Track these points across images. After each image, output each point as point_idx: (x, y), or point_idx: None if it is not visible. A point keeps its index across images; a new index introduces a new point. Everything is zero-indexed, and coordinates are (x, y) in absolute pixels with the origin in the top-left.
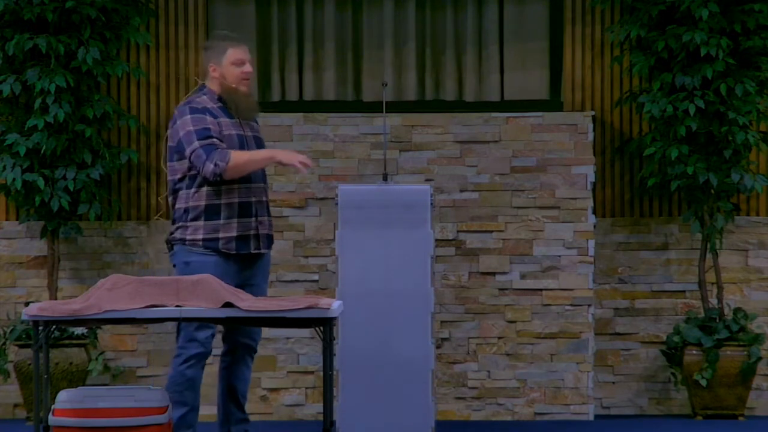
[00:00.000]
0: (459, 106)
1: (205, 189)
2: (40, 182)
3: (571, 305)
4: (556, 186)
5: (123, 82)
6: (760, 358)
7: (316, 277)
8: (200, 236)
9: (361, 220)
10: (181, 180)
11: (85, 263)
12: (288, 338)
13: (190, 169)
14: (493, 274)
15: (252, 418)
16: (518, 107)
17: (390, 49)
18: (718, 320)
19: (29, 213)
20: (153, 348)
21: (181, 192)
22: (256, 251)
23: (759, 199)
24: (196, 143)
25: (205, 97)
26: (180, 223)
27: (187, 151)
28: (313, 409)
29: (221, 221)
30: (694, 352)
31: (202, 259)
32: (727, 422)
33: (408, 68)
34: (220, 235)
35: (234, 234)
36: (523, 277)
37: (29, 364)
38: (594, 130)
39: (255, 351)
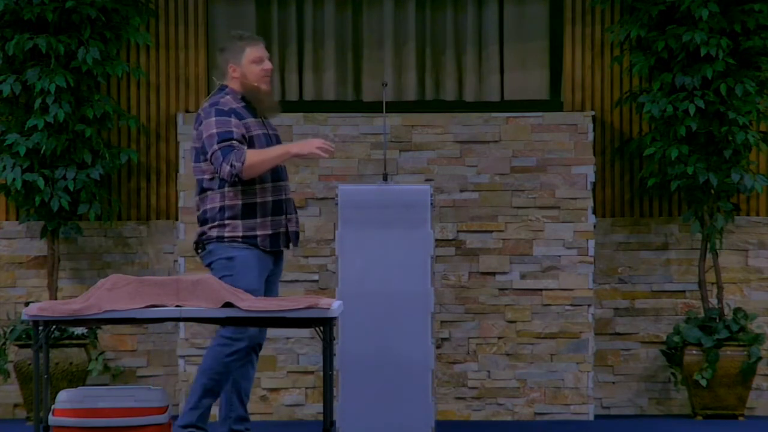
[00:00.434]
0: (459, 106)
1: (240, 188)
2: (40, 182)
3: (571, 305)
4: (556, 186)
5: (123, 82)
6: (760, 358)
7: (316, 277)
8: (240, 233)
9: (361, 220)
10: (211, 180)
11: (85, 263)
12: (288, 338)
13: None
14: (493, 274)
15: (252, 418)
16: (518, 107)
17: (390, 49)
18: (718, 320)
19: (29, 213)
20: (153, 348)
21: (212, 192)
22: (285, 248)
23: (759, 199)
24: (216, 146)
25: (228, 97)
26: (217, 222)
27: (208, 153)
28: (313, 409)
29: (258, 220)
30: (694, 352)
31: (245, 253)
32: (727, 422)
33: (408, 68)
34: (258, 232)
35: (269, 232)
36: (523, 277)
37: (29, 364)
38: (594, 130)
39: (261, 349)
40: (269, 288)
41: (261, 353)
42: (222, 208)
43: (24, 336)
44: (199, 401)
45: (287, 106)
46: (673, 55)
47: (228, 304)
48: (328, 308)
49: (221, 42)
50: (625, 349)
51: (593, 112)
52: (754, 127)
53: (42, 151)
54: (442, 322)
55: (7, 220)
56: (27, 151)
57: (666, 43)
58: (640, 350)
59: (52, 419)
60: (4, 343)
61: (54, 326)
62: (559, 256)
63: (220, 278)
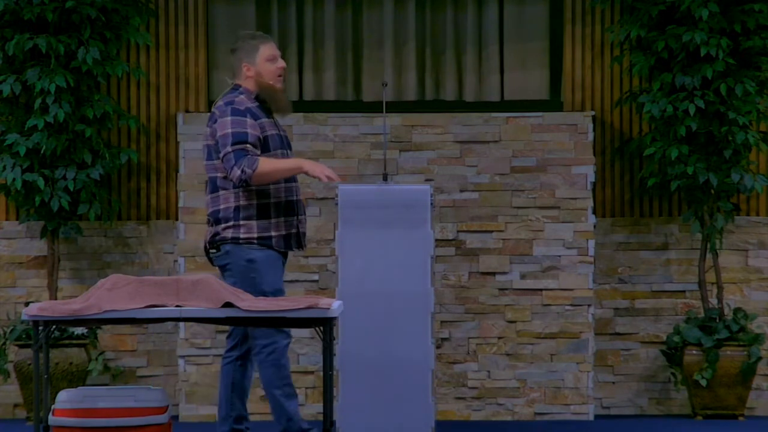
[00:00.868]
0: (459, 106)
1: (254, 188)
2: (40, 182)
3: (571, 305)
4: (556, 186)
5: (123, 82)
6: (760, 358)
7: (316, 277)
8: (255, 234)
9: (361, 220)
10: (224, 178)
11: (85, 263)
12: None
13: None
14: (493, 274)
15: (252, 418)
16: (518, 107)
17: (390, 49)
18: (718, 320)
19: (29, 213)
20: (153, 348)
21: (225, 192)
22: (297, 248)
23: (759, 199)
24: (229, 147)
25: (242, 96)
26: (232, 222)
27: (221, 153)
28: (313, 409)
29: (272, 220)
30: (694, 352)
31: (264, 254)
32: (727, 422)
33: (408, 68)
34: (273, 233)
35: (283, 232)
36: (523, 277)
37: (29, 364)
38: (594, 130)
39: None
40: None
41: None
42: (237, 208)
43: (24, 336)
44: (287, 408)
45: None
46: (673, 55)
47: (228, 304)
48: (328, 308)
49: (221, 42)
50: (625, 349)
51: (593, 112)
52: (754, 127)
53: (42, 151)
54: (442, 322)
55: (7, 220)
56: (27, 151)
57: (666, 43)
58: (640, 350)
59: (52, 419)
60: (4, 343)
61: (54, 326)
62: (559, 256)
63: (241, 281)
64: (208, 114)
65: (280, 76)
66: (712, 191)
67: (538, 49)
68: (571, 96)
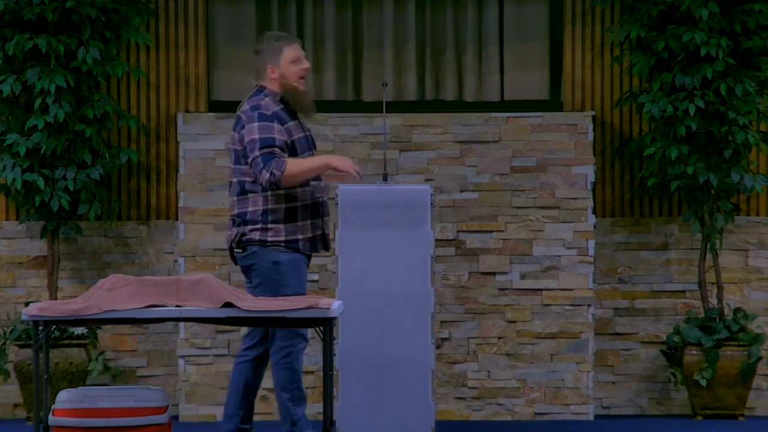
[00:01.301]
0: (459, 106)
1: (283, 191)
2: (40, 182)
3: (571, 305)
4: (556, 186)
5: (123, 82)
6: (760, 358)
7: (316, 277)
8: (282, 237)
9: (361, 220)
10: (253, 182)
11: (85, 263)
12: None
13: None
14: (493, 274)
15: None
16: (518, 107)
17: (390, 49)
18: (718, 320)
19: (29, 213)
20: (153, 348)
21: (254, 195)
22: (323, 250)
23: (759, 199)
24: (257, 152)
25: (268, 99)
26: (259, 225)
27: (249, 158)
28: (313, 409)
29: (299, 223)
30: (694, 352)
31: (290, 257)
32: (727, 422)
33: (408, 68)
34: (299, 236)
35: (309, 235)
36: (523, 277)
37: (29, 364)
38: (594, 130)
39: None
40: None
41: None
42: (265, 212)
43: (24, 336)
44: (293, 413)
45: None
46: (673, 55)
47: (228, 304)
48: (328, 308)
49: (221, 42)
50: (625, 349)
51: (593, 112)
52: (754, 127)
53: (42, 151)
54: (442, 322)
55: (7, 220)
56: (27, 151)
57: (666, 43)
58: (640, 350)
59: (52, 419)
60: (4, 343)
61: (54, 326)
62: (559, 256)
63: (264, 282)
64: (208, 114)
65: (302, 77)
66: (712, 191)
67: (538, 49)
68: (571, 96)
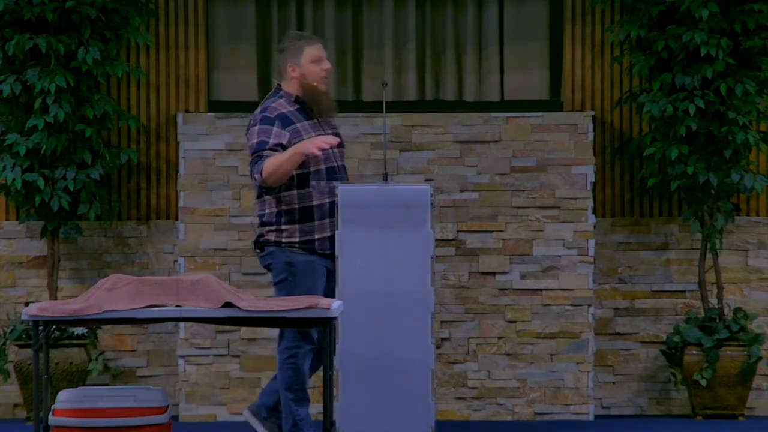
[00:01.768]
0: (459, 106)
1: (296, 192)
2: (40, 182)
3: (571, 305)
4: (556, 186)
5: (123, 82)
6: (760, 358)
7: None
8: (297, 239)
9: (361, 220)
10: None
11: (85, 263)
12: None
13: None
14: (493, 274)
15: None
16: (518, 107)
17: (390, 49)
18: (718, 320)
19: (29, 213)
20: (153, 348)
21: (269, 196)
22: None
23: (759, 199)
24: (251, 157)
25: (281, 100)
26: (274, 227)
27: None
28: (313, 409)
29: (315, 222)
30: (694, 352)
31: (304, 258)
32: (727, 422)
33: (408, 68)
34: (316, 236)
35: (327, 234)
36: (523, 277)
37: (29, 364)
38: (594, 130)
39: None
40: (331, 292)
41: (261, 353)
42: (279, 213)
43: (24, 336)
44: (295, 414)
45: None
46: (673, 55)
47: (228, 304)
48: (328, 308)
49: (221, 42)
50: (625, 349)
51: (593, 112)
52: (754, 127)
53: (42, 151)
54: (442, 322)
55: (7, 220)
56: (27, 151)
57: (666, 43)
58: (640, 350)
59: (52, 419)
60: (4, 343)
61: (54, 326)
62: (559, 256)
63: (279, 281)
64: (208, 114)
65: (324, 78)
66: (712, 191)
67: (538, 49)
68: (571, 96)
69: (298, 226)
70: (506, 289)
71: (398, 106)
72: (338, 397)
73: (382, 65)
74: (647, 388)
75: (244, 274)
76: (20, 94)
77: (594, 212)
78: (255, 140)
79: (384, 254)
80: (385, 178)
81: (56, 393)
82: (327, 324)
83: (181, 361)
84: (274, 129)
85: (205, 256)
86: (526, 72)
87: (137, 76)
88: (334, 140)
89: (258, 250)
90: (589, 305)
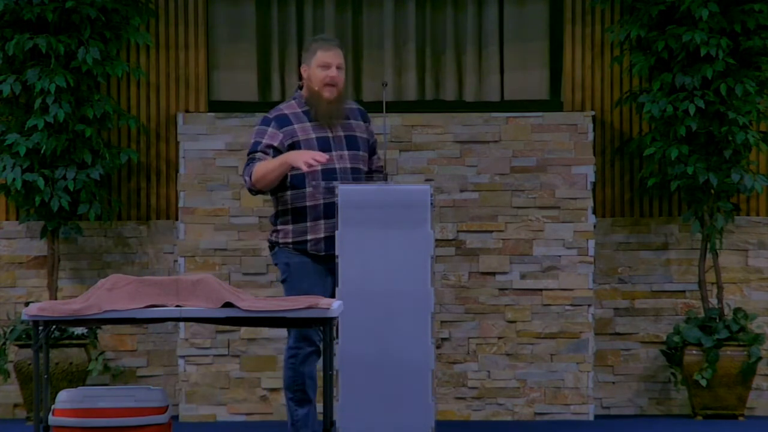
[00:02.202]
0: (459, 106)
1: (289, 193)
2: (40, 182)
3: (571, 305)
4: (556, 186)
5: (123, 82)
6: (760, 358)
7: None
8: (290, 239)
9: (361, 220)
10: None
11: (85, 263)
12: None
13: None
14: (493, 274)
15: (252, 418)
16: (518, 107)
17: (390, 49)
18: (718, 320)
19: (29, 213)
20: (153, 348)
21: (273, 197)
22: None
23: (759, 199)
24: (247, 157)
25: (293, 101)
26: (273, 227)
27: None
28: None
29: (308, 223)
30: (694, 352)
31: (299, 260)
32: (727, 422)
33: (408, 68)
34: (308, 237)
35: (321, 235)
36: (523, 277)
37: (29, 364)
38: (594, 130)
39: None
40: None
41: (261, 353)
42: (276, 214)
43: (24, 336)
44: (294, 413)
45: None
46: (673, 55)
47: (228, 304)
48: (328, 308)
49: (221, 42)
50: (625, 349)
51: (593, 112)
52: (754, 127)
53: (42, 151)
54: (442, 322)
55: (7, 220)
56: (27, 151)
57: (666, 43)
58: (640, 350)
59: (52, 419)
60: (4, 343)
61: (54, 326)
62: (559, 256)
63: (282, 281)
64: (208, 114)
65: (327, 84)
66: (712, 191)
67: (538, 49)
68: (571, 96)
69: (291, 227)
70: (506, 289)
71: (398, 106)
72: (338, 397)
73: (382, 65)
74: (647, 388)
75: (244, 274)
76: (20, 94)
77: (594, 212)
78: (252, 140)
79: (384, 254)
80: (385, 178)
81: (56, 393)
82: (327, 324)
83: (181, 361)
84: (269, 130)
85: (205, 256)
86: (526, 72)
87: (137, 76)
88: (323, 157)
89: (269, 250)
90: (589, 305)
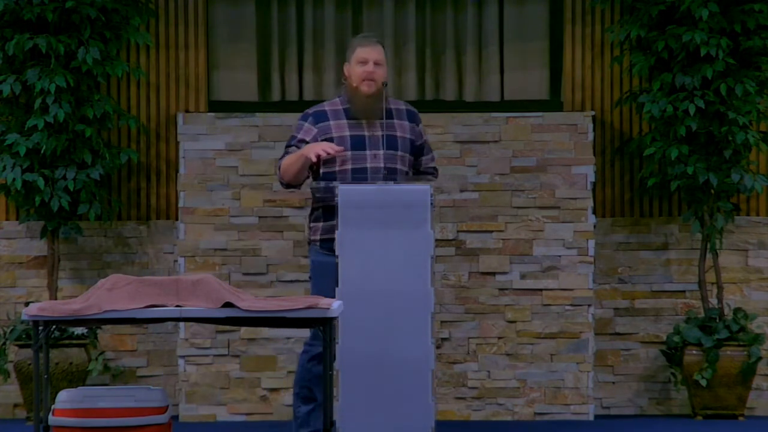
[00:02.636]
0: (459, 106)
1: (322, 186)
2: (40, 182)
3: (571, 305)
4: (556, 186)
5: (123, 82)
6: (760, 358)
7: None
8: (319, 237)
9: (361, 220)
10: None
11: (85, 263)
12: (288, 338)
13: None
14: (493, 274)
15: (252, 418)
16: (518, 107)
17: (390, 49)
18: (718, 320)
19: (29, 213)
20: (153, 348)
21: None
22: None
23: (759, 199)
24: (283, 152)
25: (337, 99)
26: (307, 225)
27: None
28: None
29: (335, 222)
30: (694, 352)
31: (323, 259)
32: (727, 422)
33: (408, 68)
34: (336, 235)
35: None
36: (523, 277)
37: (29, 364)
38: (594, 130)
39: None
40: None
41: (261, 353)
42: (311, 211)
43: (24, 336)
44: (297, 410)
45: (287, 106)
46: (673, 55)
47: (228, 304)
48: (328, 308)
49: (221, 42)
50: (625, 349)
51: (593, 112)
52: (754, 127)
53: (42, 151)
54: (442, 322)
55: (7, 220)
56: (27, 151)
57: (666, 43)
58: (640, 350)
59: (52, 419)
60: (4, 343)
61: (54, 326)
62: (559, 256)
63: (309, 278)
64: (208, 114)
65: (365, 80)
66: (712, 191)
67: (538, 49)
68: (571, 96)
69: (321, 224)
70: (506, 289)
71: None
72: (338, 397)
73: None
74: (647, 388)
75: (244, 274)
76: (20, 94)
77: (594, 212)
78: (291, 135)
79: (384, 254)
80: (385, 178)
81: (56, 393)
82: (327, 324)
83: (181, 361)
84: (305, 125)
85: (205, 256)
86: (526, 72)
87: (137, 76)
88: (335, 149)
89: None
90: (589, 305)
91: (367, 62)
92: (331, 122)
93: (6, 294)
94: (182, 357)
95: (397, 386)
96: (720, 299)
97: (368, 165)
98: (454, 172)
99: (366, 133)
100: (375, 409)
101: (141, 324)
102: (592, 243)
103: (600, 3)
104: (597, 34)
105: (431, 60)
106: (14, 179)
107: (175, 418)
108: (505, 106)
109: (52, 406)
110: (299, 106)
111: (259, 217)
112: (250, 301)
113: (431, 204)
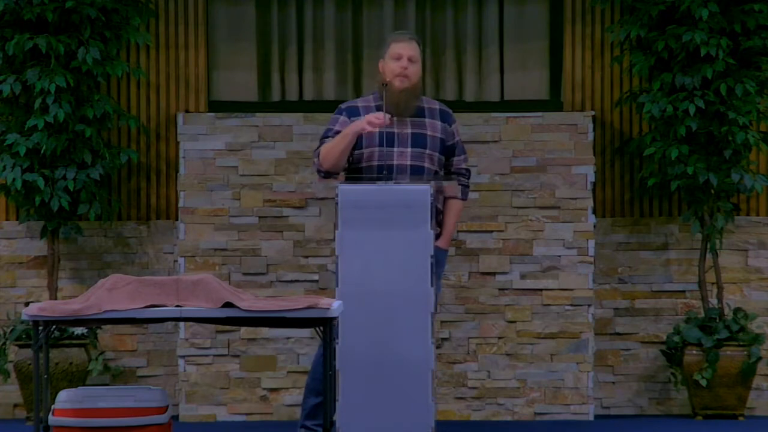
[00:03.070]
0: (459, 106)
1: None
2: (40, 182)
3: (571, 305)
4: (556, 186)
5: (123, 82)
6: (760, 358)
7: (316, 277)
8: None
9: (361, 220)
10: None
11: (85, 263)
12: (288, 338)
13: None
14: (493, 274)
15: (252, 418)
16: (518, 107)
17: None
18: (718, 320)
19: (29, 213)
20: (153, 348)
21: None
22: None
23: (759, 199)
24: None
25: (370, 96)
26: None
27: None
28: None
29: None
30: (694, 352)
31: None
32: (727, 422)
33: None
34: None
35: None
36: (523, 277)
37: (29, 364)
38: (594, 130)
39: None
40: None
41: (261, 353)
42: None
43: (24, 336)
44: (305, 400)
45: (287, 106)
46: (673, 55)
47: (228, 304)
48: (328, 308)
49: (221, 42)
50: (625, 349)
51: (593, 112)
52: (754, 127)
53: (42, 151)
54: (442, 322)
55: (7, 220)
56: (27, 151)
57: (666, 43)
58: (640, 350)
59: (52, 419)
60: (4, 343)
61: (54, 326)
62: (559, 256)
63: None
64: (208, 114)
65: (398, 75)
66: (712, 191)
67: (538, 49)
68: (571, 96)
69: None
70: (506, 289)
71: None
72: (338, 397)
73: None
74: (647, 388)
75: (244, 274)
76: (20, 94)
77: (594, 212)
78: (326, 128)
79: (384, 254)
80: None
81: (56, 393)
82: (327, 324)
83: (181, 361)
84: (341, 118)
85: (205, 256)
86: (526, 72)
87: (137, 76)
88: (380, 118)
89: None
90: (589, 305)
91: (401, 58)
92: (363, 117)
93: (6, 294)
94: (182, 357)
95: (397, 386)
96: (720, 299)
97: (395, 162)
98: None
99: (395, 131)
100: (375, 409)
101: (141, 324)
102: (592, 243)
103: (600, 3)
104: (597, 34)
105: (431, 60)
106: (14, 179)
107: (175, 418)
108: (505, 106)
109: (52, 406)
110: (299, 106)
111: (259, 217)
112: (250, 301)
113: (431, 204)
